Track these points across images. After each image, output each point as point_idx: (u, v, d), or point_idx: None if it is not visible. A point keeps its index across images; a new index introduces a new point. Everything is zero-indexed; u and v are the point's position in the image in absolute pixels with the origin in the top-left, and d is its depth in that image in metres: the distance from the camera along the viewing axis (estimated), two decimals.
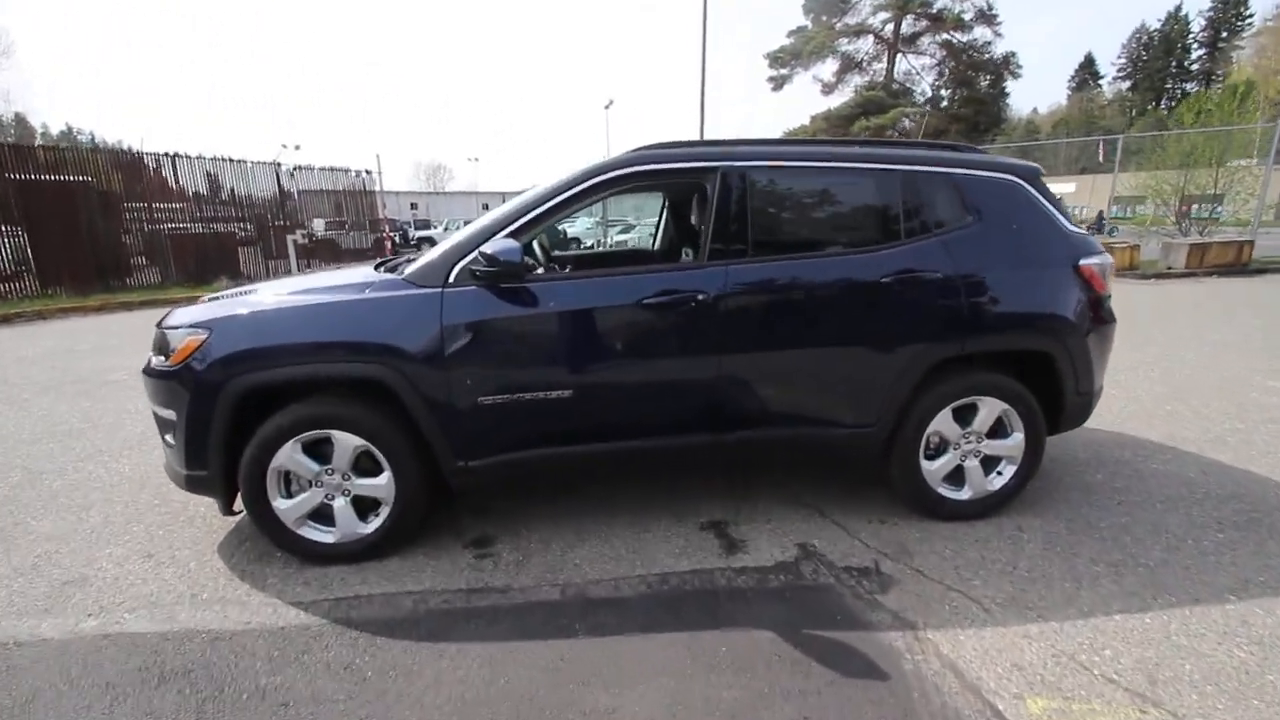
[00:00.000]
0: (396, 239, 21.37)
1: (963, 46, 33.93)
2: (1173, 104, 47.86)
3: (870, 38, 33.97)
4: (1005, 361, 2.78)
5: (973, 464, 2.78)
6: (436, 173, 78.11)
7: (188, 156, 13.83)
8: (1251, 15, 49.25)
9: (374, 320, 2.38)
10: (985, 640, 2.04)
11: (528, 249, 2.65)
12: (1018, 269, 2.67)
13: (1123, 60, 57.60)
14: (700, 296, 2.47)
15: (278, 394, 2.42)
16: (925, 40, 34.26)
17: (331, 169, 17.38)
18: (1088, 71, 59.21)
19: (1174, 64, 54.33)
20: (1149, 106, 51.48)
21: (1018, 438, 2.77)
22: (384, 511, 2.52)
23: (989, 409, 2.73)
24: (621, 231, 18.39)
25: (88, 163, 12.53)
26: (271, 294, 2.62)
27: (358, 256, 16.58)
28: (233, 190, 14.86)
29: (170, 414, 2.43)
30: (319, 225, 16.25)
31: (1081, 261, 2.73)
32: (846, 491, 3.13)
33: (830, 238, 2.69)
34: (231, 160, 14.59)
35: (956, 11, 32.19)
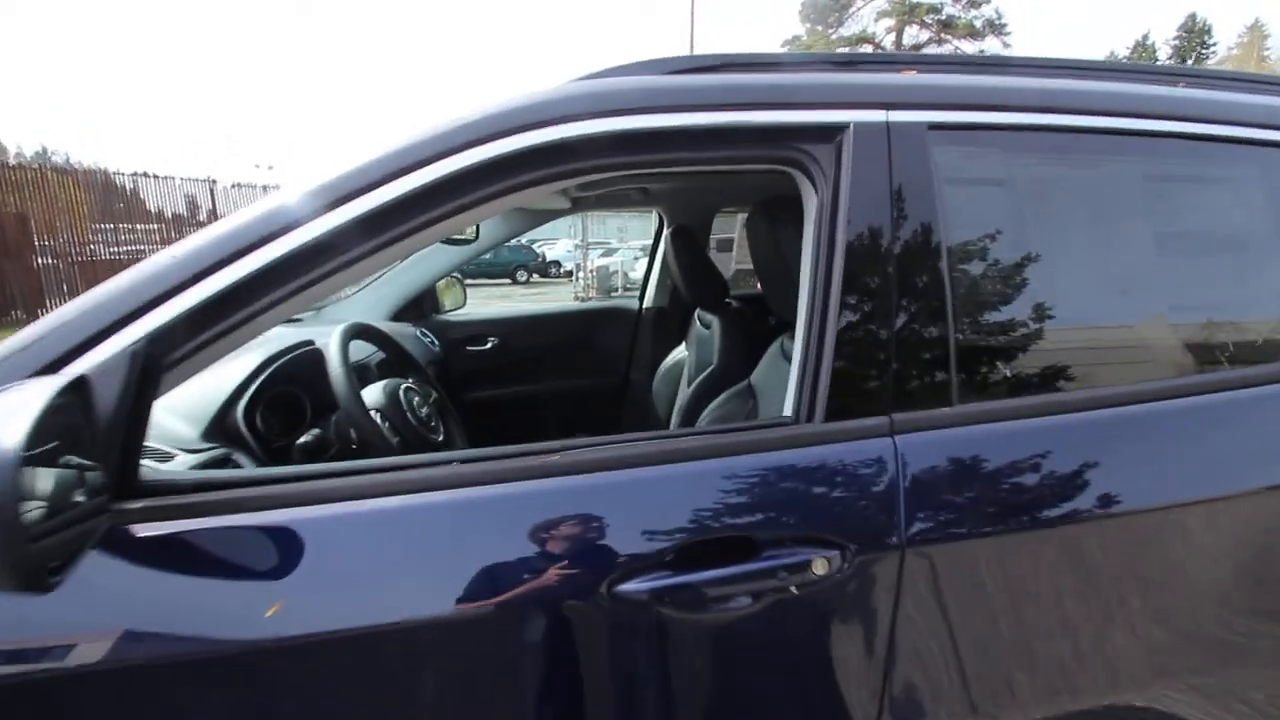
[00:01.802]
0: None
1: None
2: None
3: (869, 48, 32.32)
4: None
5: None
6: None
7: (101, 171, 11.96)
8: (1215, 44, 49.50)
9: None
10: None
11: (296, 373, 0.91)
12: None
13: None
14: (819, 567, 0.70)
15: None
16: (929, 50, 32.74)
17: (277, 187, 15.46)
18: None
19: None
20: None
21: None
22: None
23: None
24: (604, 255, 15.36)
25: None
26: None
27: None
28: (159, 209, 12.95)
29: None
30: None
31: None
32: None
33: (1186, 346, 0.93)
34: (155, 176, 12.68)
35: (968, 17, 30.33)
